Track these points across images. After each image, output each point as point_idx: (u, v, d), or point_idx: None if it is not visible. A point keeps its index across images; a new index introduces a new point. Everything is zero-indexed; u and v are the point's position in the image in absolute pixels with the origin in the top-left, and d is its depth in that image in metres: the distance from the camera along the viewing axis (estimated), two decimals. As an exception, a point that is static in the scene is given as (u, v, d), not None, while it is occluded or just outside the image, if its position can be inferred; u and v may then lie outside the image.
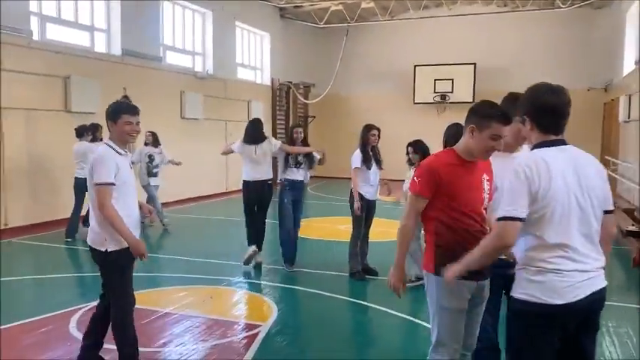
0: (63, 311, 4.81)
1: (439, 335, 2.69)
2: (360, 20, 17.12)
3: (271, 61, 16.67)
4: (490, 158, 2.76)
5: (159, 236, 8.95)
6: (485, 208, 2.72)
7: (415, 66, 17.55)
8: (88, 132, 8.12)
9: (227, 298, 5.73)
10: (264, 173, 6.62)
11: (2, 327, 4.52)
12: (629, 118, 11.35)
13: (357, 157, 6.17)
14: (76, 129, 8.12)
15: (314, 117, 18.46)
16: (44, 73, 8.90)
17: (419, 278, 5.77)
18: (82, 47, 10.01)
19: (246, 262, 6.60)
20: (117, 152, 3.40)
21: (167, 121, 11.67)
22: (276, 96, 16.71)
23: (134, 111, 3.48)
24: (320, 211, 11.21)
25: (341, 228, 8.57)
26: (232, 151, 6.80)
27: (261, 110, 15.52)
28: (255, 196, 6.64)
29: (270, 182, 6.69)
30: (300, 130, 6.81)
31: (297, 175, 6.60)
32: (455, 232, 2.62)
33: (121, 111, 3.43)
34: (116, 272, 3.42)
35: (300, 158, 6.62)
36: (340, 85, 17.52)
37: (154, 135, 9.07)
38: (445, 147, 4.49)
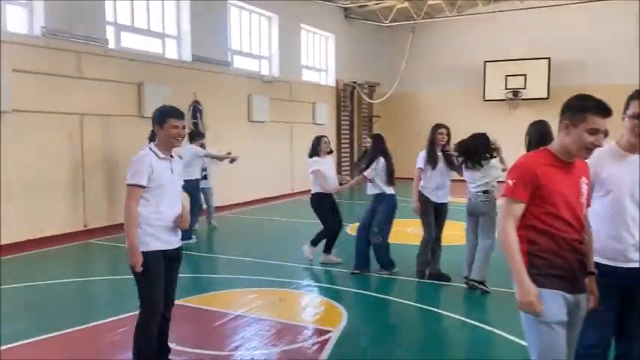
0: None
1: (540, 354, 2.40)
2: (427, 17, 16.75)
3: (336, 62, 16.64)
4: (606, 159, 2.55)
5: (226, 238, 9.09)
6: (585, 215, 2.49)
7: (485, 62, 16.96)
8: (200, 137, 8.82)
9: (296, 301, 5.69)
10: (313, 187, 6.86)
11: (83, 327, 4.70)
12: None
13: (421, 156, 6.05)
14: (188, 133, 8.42)
15: (379, 117, 18.24)
16: (119, 80, 9.26)
17: (480, 282, 5.53)
18: (154, 54, 10.35)
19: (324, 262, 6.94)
20: (157, 156, 3.41)
21: (235, 124, 11.89)
22: (341, 97, 16.66)
23: (180, 115, 3.51)
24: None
25: (408, 230, 8.37)
26: None
27: (325, 111, 15.52)
28: None
29: (310, 197, 6.90)
30: (365, 136, 6.67)
31: (370, 188, 6.44)
32: (551, 239, 2.39)
33: (168, 114, 3.44)
34: (138, 273, 3.39)
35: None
36: (406, 84, 17.21)
37: None
38: (529, 145, 4.24)
